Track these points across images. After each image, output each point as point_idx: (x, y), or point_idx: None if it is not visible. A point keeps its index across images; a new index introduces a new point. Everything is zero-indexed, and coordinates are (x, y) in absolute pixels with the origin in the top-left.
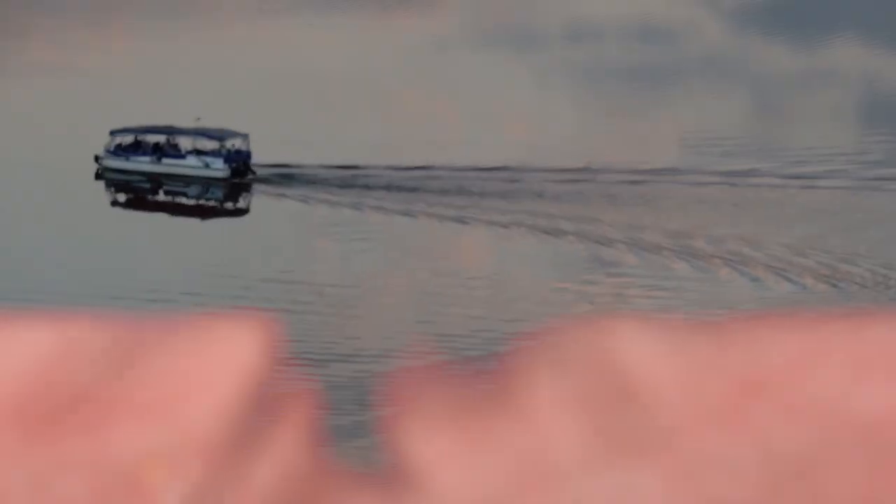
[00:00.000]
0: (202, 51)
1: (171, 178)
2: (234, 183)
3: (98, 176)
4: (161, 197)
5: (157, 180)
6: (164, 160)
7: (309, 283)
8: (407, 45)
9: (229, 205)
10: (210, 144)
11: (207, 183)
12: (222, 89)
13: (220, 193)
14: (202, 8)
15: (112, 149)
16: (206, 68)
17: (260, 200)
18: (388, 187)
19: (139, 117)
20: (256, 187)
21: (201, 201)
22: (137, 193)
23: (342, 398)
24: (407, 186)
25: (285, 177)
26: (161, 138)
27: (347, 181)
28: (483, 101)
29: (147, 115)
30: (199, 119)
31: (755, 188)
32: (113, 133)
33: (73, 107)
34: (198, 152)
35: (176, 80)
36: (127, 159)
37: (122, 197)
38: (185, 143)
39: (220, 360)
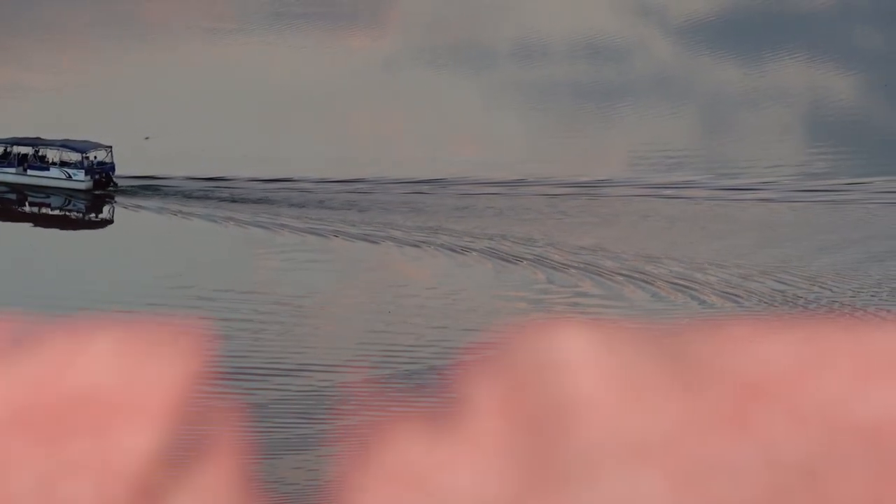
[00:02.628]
0: (152, 70)
1: (36, 189)
2: (96, 194)
3: None
4: (27, 208)
5: (21, 191)
6: (30, 172)
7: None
8: (357, 63)
9: (92, 216)
10: (74, 156)
11: (70, 194)
12: (171, 108)
13: (82, 205)
14: (152, 28)
15: None
16: (155, 87)
17: (122, 212)
18: (256, 200)
19: (86, 135)
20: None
21: (65, 212)
22: (4, 204)
23: None
24: (267, 199)
25: (150, 188)
26: (28, 150)
27: (211, 193)
28: (431, 118)
29: (96, 133)
30: (147, 138)
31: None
32: None
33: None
34: (63, 164)
35: (126, 98)
36: None
37: None
38: (51, 155)
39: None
